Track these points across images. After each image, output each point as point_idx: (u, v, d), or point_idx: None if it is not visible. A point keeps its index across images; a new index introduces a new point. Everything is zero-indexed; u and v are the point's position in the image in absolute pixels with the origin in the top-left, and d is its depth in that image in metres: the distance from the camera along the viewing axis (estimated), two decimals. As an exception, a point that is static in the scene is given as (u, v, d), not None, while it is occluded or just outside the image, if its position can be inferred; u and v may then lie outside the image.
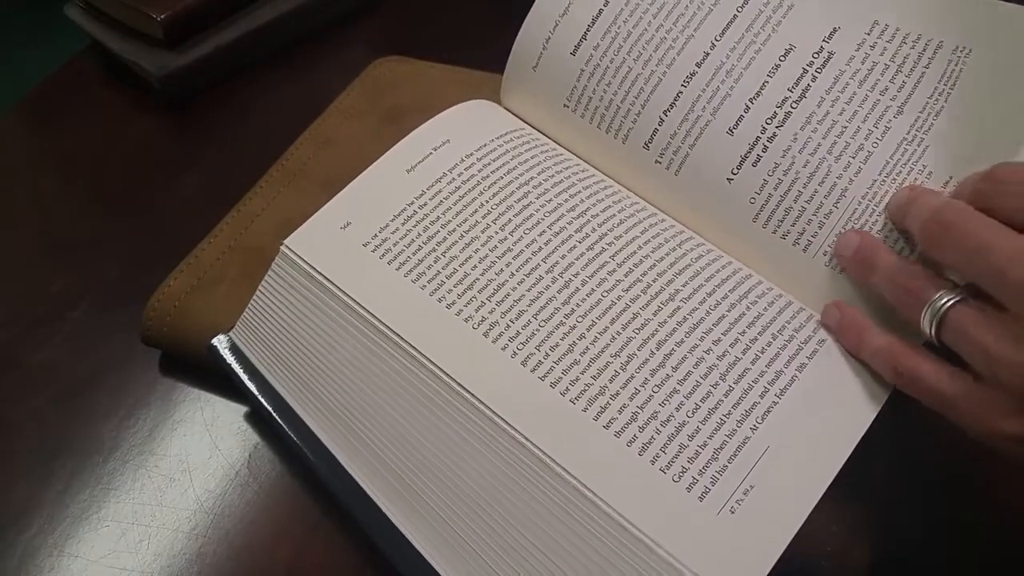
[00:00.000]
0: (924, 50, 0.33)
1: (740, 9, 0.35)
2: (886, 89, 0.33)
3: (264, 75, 0.57)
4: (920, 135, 0.32)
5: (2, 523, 0.35)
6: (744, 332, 0.30)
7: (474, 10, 0.61)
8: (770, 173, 0.33)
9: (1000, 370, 0.25)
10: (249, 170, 0.46)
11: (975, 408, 0.27)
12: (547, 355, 0.30)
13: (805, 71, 0.34)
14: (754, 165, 0.33)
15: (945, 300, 0.28)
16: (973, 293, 0.27)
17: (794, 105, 0.33)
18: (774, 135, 0.33)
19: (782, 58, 0.34)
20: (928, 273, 0.29)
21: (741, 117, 0.34)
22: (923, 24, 0.33)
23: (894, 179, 0.32)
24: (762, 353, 0.30)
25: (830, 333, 0.31)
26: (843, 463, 0.28)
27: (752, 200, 0.33)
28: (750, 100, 0.34)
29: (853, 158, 0.32)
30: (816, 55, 0.34)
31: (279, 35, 0.58)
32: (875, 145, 0.32)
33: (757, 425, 0.28)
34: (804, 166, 0.33)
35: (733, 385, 0.29)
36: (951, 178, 0.31)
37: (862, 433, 0.29)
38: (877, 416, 0.29)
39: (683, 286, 0.32)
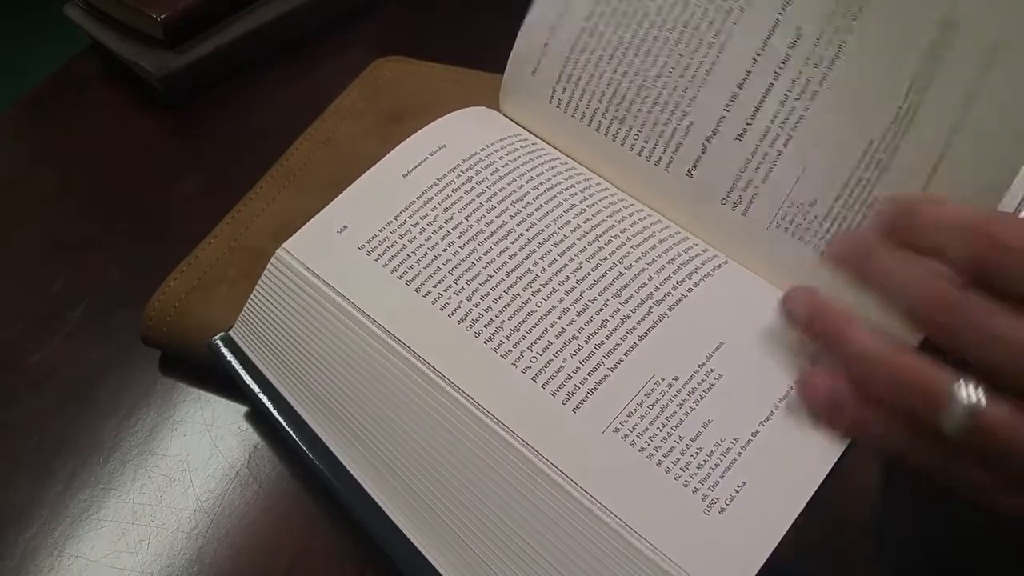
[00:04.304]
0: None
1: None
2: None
3: (264, 75, 0.57)
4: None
5: (2, 523, 0.35)
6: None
7: (474, 10, 0.61)
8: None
9: None
10: (249, 170, 0.46)
11: (1007, 500, 0.25)
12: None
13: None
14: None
15: (969, 397, 0.24)
16: (979, 375, 0.24)
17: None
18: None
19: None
20: (927, 360, 0.25)
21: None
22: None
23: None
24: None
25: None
26: (837, 457, 0.28)
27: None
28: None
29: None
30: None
31: (279, 35, 0.58)
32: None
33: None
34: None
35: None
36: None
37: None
38: None
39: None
